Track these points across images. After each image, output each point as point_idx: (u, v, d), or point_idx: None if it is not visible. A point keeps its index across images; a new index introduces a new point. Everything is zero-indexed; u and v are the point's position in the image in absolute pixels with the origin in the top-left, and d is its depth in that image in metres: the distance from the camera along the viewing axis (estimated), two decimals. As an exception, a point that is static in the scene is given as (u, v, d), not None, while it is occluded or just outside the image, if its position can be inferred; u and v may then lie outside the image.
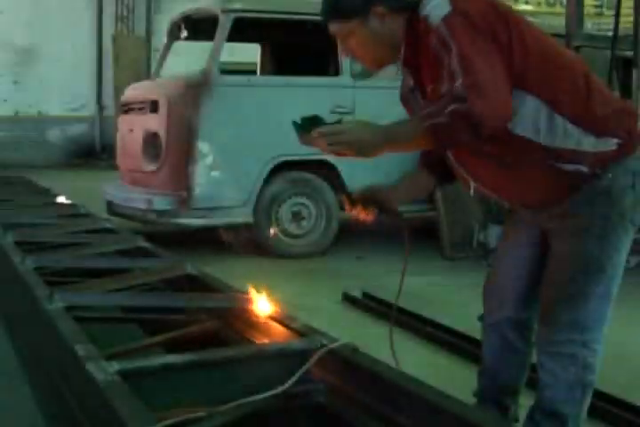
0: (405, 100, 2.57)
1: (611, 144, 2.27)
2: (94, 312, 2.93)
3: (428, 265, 6.28)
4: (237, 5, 6.50)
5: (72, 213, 5.19)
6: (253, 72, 8.64)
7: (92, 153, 17.01)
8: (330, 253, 6.72)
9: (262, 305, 2.56)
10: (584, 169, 2.27)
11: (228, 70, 8.81)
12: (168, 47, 7.70)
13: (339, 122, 2.27)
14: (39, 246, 3.91)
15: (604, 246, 2.35)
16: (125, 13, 17.16)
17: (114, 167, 7.73)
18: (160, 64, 7.76)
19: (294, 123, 2.29)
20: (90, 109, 17.39)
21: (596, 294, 2.39)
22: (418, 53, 2.27)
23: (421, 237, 7.11)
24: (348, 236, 6.98)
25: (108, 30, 17.14)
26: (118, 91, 16.49)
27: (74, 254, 3.65)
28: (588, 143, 2.26)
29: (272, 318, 2.51)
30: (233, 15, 6.40)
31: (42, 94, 16.89)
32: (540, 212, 2.45)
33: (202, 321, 2.78)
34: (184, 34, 7.42)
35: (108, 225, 4.66)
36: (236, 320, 2.67)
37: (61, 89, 16.99)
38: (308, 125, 2.25)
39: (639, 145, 2.35)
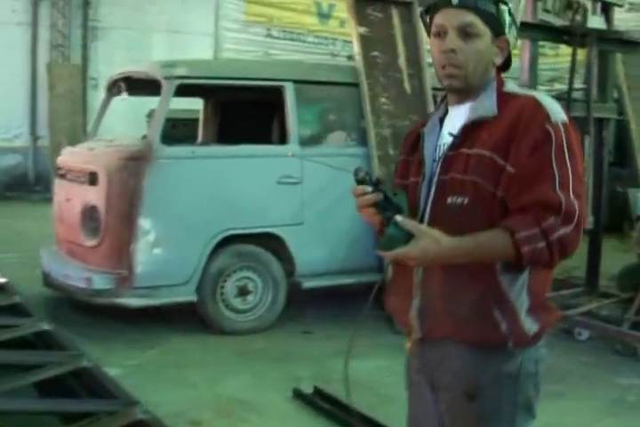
0: (412, 136, 2.43)
1: (530, 329, 2.18)
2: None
3: (379, 342, 6.10)
4: (181, 71, 6.27)
5: (7, 303, 4.86)
6: (196, 120, 8.39)
7: (26, 185, 16.50)
8: (277, 327, 6.49)
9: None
10: (503, 329, 2.15)
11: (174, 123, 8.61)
12: (106, 104, 7.42)
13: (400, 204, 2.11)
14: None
15: None
16: (61, 41, 16.69)
17: (48, 200, 7.39)
18: (97, 122, 7.48)
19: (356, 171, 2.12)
20: (24, 140, 16.84)
21: None
22: (498, 118, 2.17)
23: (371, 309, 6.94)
24: (294, 307, 6.75)
25: (43, 58, 16.66)
26: (53, 121, 16.10)
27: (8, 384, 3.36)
28: (523, 313, 2.17)
29: None
30: (176, 82, 6.16)
31: (-27, 124, 16.37)
32: (446, 359, 2.26)
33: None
34: (123, 93, 7.15)
35: (46, 328, 4.35)
36: None
37: (-6, 119, 16.48)
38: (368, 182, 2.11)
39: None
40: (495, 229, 2.04)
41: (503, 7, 2.21)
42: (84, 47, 17.00)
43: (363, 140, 6.81)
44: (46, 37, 16.75)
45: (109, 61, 16.29)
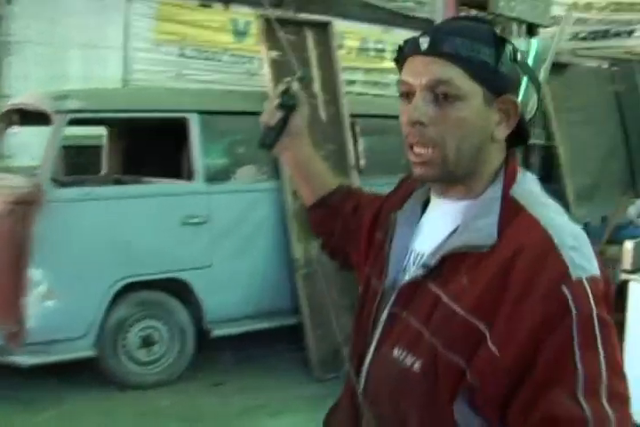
0: (392, 202, 1.74)
1: None
2: None
3: (297, 394, 5.68)
4: (73, 104, 5.73)
5: None
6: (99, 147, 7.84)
7: None
8: (186, 380, 5.99)
9: None
10: None
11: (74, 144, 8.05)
12: (1, 135, 6.86)
13: None
14: None
15: None
16: (-30, 57, 15.93)
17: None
18: (-8, 156, 6.92)
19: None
20: None
21: None
22: (492, 250, 1.39)
23: (287, 353, 6.52)
24: (205, 356, 6.27)
25: (-49, 76, 15.88)
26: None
27: None
28: None
29: None
30: (68, 116, 5.65)
31: None
32: None
33: None
34: (15, 126, 6.65)
35: None
36: None
37: None
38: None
39: None
40: None
41: (508, 48, 1.46)
42: (-4, 63, 16.22)
43: (275, 173, 6.37)
44: (-45, 53, 15.97)
45: (25, 77, 15.55)
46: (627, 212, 5.92)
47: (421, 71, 1.44)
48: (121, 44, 11.47)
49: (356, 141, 6.87)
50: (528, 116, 1.53)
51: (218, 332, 6.05)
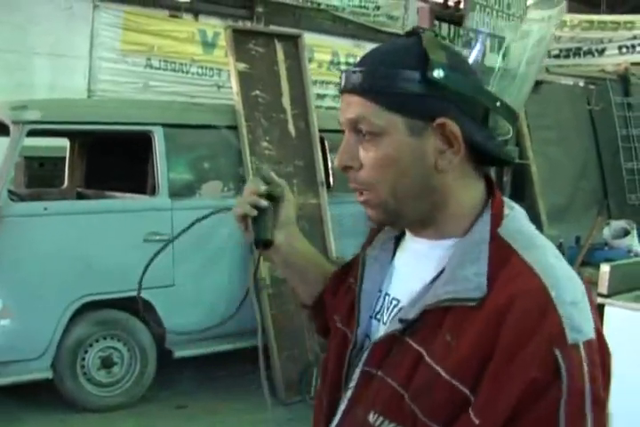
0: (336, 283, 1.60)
1: None
2: None
3: (261, 418, 5.47)
4: (32, 115, 5.51)
5: None
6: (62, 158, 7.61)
7: None
8: (147, 402, 5.79)
9: None
10: None
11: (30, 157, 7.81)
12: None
13: None
14: None
15: None
16: None
17: None
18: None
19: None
20: None
21: None
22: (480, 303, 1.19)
23: (251, 375, 6.30)
24: (167, 377, 6.05)
25: None
26: None
27: None
28: None
29: None
30: (27, 127, 5.43)
31: None
32: None
33: None
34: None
35: None
36: None
37: None
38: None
39: None
40: None
41: (438, 65, 1.24)
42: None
43: (242, 189, 6.15)
44: None
45: (-11, 86, 15.27)
46: (602, 233, 5.80)
47: (342, 109, 1.32)
48: (87, 53, 11.28)
49: (325, 158, 6.70)
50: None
51: (180, 353, 5.84)
